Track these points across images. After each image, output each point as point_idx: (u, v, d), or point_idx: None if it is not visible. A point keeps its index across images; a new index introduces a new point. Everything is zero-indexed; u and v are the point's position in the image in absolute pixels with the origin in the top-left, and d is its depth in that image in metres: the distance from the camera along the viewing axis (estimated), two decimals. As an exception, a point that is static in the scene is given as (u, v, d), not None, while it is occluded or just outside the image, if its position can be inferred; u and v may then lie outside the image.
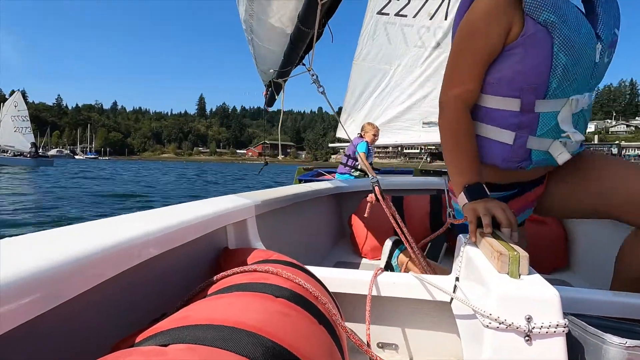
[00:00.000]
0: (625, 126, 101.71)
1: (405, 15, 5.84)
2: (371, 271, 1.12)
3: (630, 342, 0.64)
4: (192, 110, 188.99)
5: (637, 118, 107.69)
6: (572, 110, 1.11)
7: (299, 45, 1.89)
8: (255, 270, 0.78)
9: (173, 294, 0.86)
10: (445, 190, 1.93)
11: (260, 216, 1.39)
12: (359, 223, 2.43)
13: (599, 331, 0.68)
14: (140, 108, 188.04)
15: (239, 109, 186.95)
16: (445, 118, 1.17)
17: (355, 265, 2.24)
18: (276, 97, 2.49)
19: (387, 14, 6.00)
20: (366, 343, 1.00)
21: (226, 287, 0.73)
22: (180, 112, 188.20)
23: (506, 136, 1.14)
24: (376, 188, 1.51)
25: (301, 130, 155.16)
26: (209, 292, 0.75)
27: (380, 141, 5.63)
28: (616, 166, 1.22)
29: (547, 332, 0.68)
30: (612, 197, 1.19)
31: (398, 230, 1.40)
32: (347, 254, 2.45)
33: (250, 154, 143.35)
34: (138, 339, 0.56)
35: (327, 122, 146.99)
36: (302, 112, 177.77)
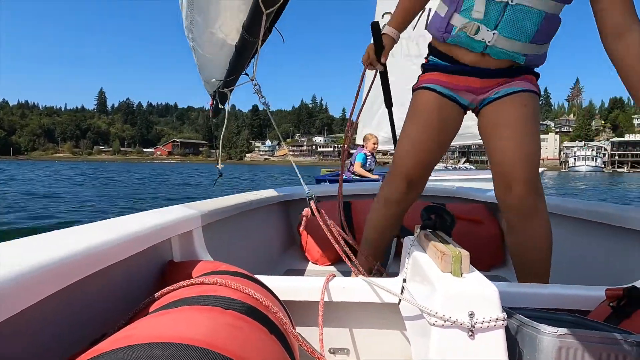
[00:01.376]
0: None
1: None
2: (321, 277, 1.12)
3: (561, 331, 0.70)
4: (91, 105, 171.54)
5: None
6: None
7: (245, 54, 1.84)
8: (202, 283, 0.75)
9: (114, 313, 0.81)
10: None
11: (206, 227, 1.36)
12: (308, 230, 2.41)
13: (534, 322, 0.74)
14: (26, 102, 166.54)
15: (144, 104, 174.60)
16: None
17: (306, 272, 2.23)
18: (221, 106, 2.38)
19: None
20: (318, 350, 0.99)
21: (172, 302, 0.69)
22: (76, 107, 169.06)
23: (444, 10, 1.32)
24: (311, 203, 1.50)
25: (213, 128, 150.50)
26: (153, 309, 0.71)
27: (383, 147, 6.30)
28: (511, 135, 1.31)
29: (488, 327, 0.72)
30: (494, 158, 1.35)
31: (335, 246, 1.30)
32: (297, 261, 2.43)
33: (159, 152, 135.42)
34: None
35: (241, 120, 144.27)
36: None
